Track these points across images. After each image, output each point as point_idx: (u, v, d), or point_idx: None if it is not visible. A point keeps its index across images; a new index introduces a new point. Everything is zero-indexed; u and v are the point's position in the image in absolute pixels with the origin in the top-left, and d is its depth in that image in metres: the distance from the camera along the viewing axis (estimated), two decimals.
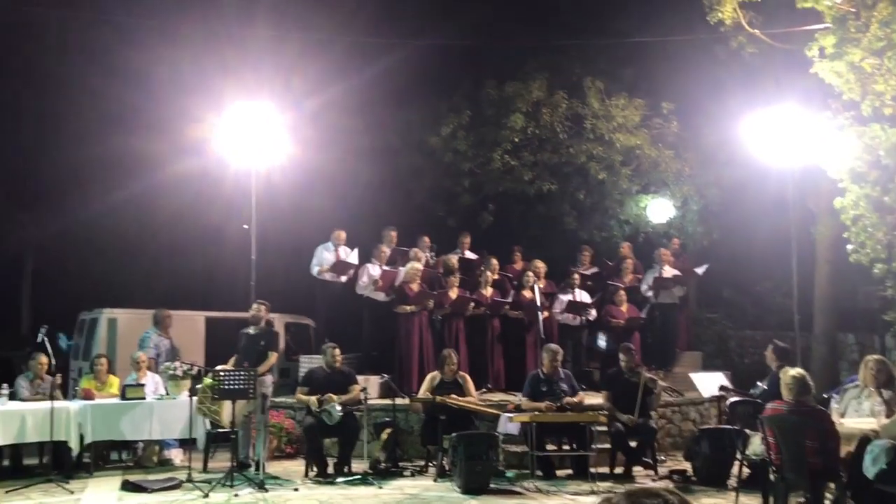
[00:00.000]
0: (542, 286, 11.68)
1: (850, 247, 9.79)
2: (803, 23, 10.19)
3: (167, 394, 9.53)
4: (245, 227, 10.61)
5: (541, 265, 12.01)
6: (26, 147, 16.21)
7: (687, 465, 8.97)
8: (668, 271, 12.11)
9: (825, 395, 8.53)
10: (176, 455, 9.73)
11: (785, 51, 11.22)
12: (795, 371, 6.26)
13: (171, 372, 9.56)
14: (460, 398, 8.91)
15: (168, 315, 10.82)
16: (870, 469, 5.86)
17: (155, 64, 14.26)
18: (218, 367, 8.76)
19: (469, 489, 7.85)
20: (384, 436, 9.13)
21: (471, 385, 9.23)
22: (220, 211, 14.52)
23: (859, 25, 8.81)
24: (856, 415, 7.10)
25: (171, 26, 14.19)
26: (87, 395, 9.24)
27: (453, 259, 11.72)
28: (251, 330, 9.34)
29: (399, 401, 9.31)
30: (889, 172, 9.08)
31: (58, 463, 8.58)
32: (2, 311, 18.44)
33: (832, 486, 6.33)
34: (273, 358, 9.30)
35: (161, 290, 15.55)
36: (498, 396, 10.60)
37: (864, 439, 6.16)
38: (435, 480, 8.48)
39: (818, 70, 9.32)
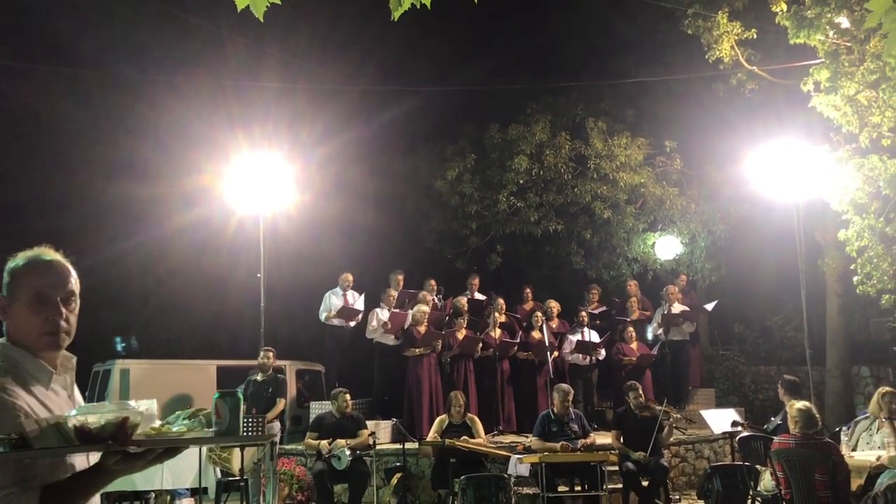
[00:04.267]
0: (554, 326, 11.69)
1: (856, 278, 9.79)
2: (802, 58, 10.33)
3: None
4: (258, 276, 10.70)
5: (555, 305, 12.02)
6: (35, 196, 16.46)
7: None
8: (677, 308, 12.08)
9: (837, 429, 8.44)
10: None
11: (785, 86, 11.35)
12: (801, 404, 6.22)
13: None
14: (469, 440, 8.86)
15: None
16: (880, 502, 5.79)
17: (162, 115, 14.56)
18: None
19: None
20: (394, 480, 9.08)
21: (480, 427, 9.19)
22: (227, 259, 14.66)
23: (853, 59, 8.92)
24: (867, 447, 7.03)
25: (179, 79, 14.50)
26: None
27: (462, 300, 11.76)
28: (258, 377, 9.39)
29: (409, 445, 9.27)
30: (890, 203, 9.10)
31: None
32: None
33: None
34: (281, 405, 9.32)
35: (167, 339, 15.59)
36: (509, 438, 10.53)
37: (874, 472, 6.11)
38: None
39: (816, 104, 9.42)
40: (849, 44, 9.13)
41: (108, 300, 15.71)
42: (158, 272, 15.92)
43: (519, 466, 8.52)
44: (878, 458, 6.24)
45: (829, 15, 8.86)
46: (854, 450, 7.13)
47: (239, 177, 10.38)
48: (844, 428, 7.77)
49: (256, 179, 10.33)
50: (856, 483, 6.20)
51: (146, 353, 12.87)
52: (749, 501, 7.74)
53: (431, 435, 9.06)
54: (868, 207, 9.40)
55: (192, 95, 14.28)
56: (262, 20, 2.53)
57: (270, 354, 9.59)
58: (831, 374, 12.94)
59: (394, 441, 10.25)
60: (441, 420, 9.20)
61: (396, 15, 2.81)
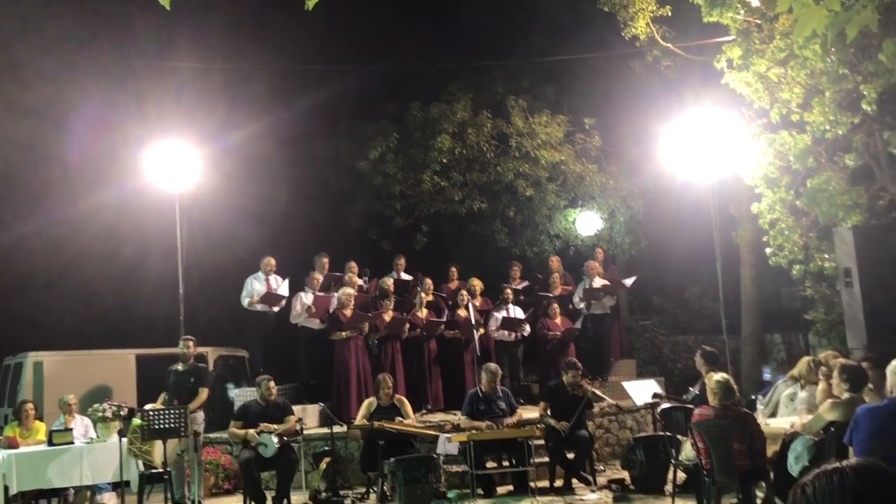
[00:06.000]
0: (478, 304, 11.74)
1: (768, 250, 10.13)
2: (714, 36, 10.55)
3: (97, 437, 9.25)
4: (178, 261, 10.35)
5: (477, 283, 12.07)
6: None
7: (625, 474, 9.08)
8: (598, 282, 12.28)
9: (753, 397, 8.72)
10: (109, 499, 9.44)
11: (700, 63, 11.60)
12: (719, 376, 6.40)
13: (101, 414, 9.29)
14: (397, 422, 8.86)
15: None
16: (794, 467, 6.05)
17: (66, 95, 13.80)
18: (147, 406, 8.54)
19: None
20: (323, 465, 9.01)
21: (408, 407, 9.19)
22: (140, 244, 14.13)
23: (763, 37, 9.15)
24: (792, 412, 7.20)
25: (85, 58, 13.83)
26: (12, 444, 8.90)
27: (388, 281, 11.70)
28: (180, 366, 9.16)
29: (337, 428, 9.21)
30: (799, 177, 9.42)
31: None
32: None
33: (763, 485, 6.51)
34: (204, 394, 9.12)
35: (81, 327, 14.91)
36: (438, 417, 10.58)
37: (789, 439, 6.35)
38: None
39: (729, 80, 9.65)
40: (759, 21, 9.36)
41: (12, 287, 14.91)
42: (65, 257, 15.17)
43: (448, 445, 8.57)
44: (792, 426, 6.47)
45: None
46: (773, 415, 7.38)
47: (152, 159, 10.02)
48: (760, 396, 8.05)
49: (172, 162, 9.99)
50: (771, 449, 6.44)
51: (56, 345, 12.33)
52: (671, 470, 7.98)
53: (360, 418, 9.02)
54: (779, 181, 9.72)
55: (100, 74, 13.65)
56: (168, 8, 2.40)
57: (191, 343, 9.35)
58: (746, 343, 13.41)
59: (322, 425, 10.17)
60: (369, 403, 9.16)
61: (311, 4, 2.72)
